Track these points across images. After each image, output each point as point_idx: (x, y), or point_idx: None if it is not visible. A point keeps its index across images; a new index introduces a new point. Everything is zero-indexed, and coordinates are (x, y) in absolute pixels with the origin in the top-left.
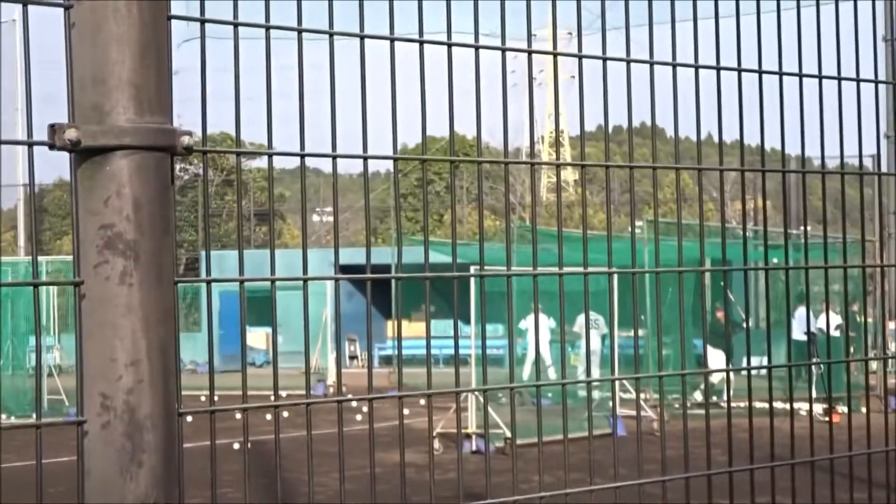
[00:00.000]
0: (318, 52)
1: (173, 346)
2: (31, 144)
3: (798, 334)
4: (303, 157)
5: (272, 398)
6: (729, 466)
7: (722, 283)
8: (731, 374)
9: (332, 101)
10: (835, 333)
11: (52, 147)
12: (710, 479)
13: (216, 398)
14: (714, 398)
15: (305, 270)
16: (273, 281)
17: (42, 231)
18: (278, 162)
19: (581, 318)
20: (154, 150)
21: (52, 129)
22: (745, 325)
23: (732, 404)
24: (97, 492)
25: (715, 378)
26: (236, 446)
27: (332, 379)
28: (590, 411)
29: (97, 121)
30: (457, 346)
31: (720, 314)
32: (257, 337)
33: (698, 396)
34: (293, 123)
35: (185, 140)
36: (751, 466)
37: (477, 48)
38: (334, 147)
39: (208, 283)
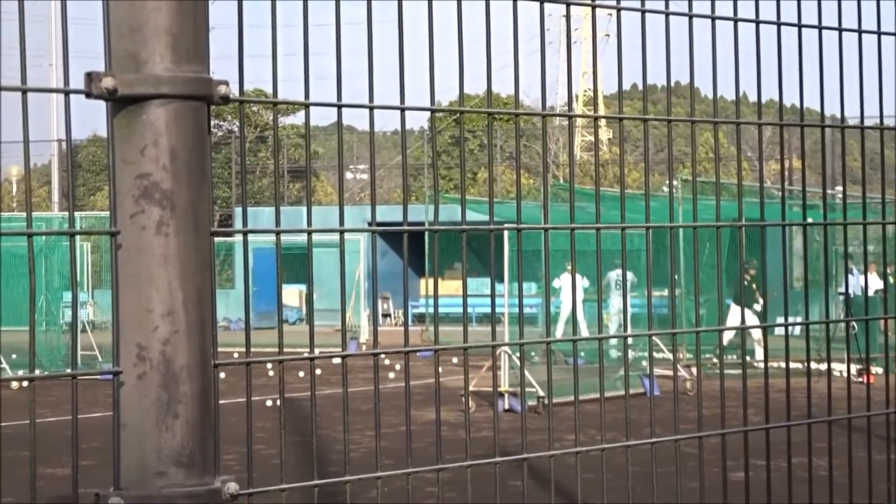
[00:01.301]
0: (355, 8)
1: (209, 296)
2: (67, 93)
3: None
4: (340, 107)
5: (307, 353)
6: (766, 423)
7: (758, 243)
8: (767, 334)
9: (369, 52)
10: (873, 294)
11: (88, 95)
12: (747, 437)
13: (251, 354)
14: (748, 358)
15: (342, 222)
16: (309, 233)
17: (76, 186)
18: (312, 119)
19: (611, 274)
20: (191, 99)
21: (89, 77)
22: (757, 308)
23: (769, 364)
24: (133, 443)
25: (748, 338)
26: (269, 403)
27: (364, 337)
28: (626, 368)
29: (134, 69)
30: (493, 303)
31: (752, 273)
32: (290, 294)
33: (734, 357)
34: (329, 80)
35: (222, 89)
36: (787, 423)
37: (515, 0)
38: (371, 98)
39: (245, 234)
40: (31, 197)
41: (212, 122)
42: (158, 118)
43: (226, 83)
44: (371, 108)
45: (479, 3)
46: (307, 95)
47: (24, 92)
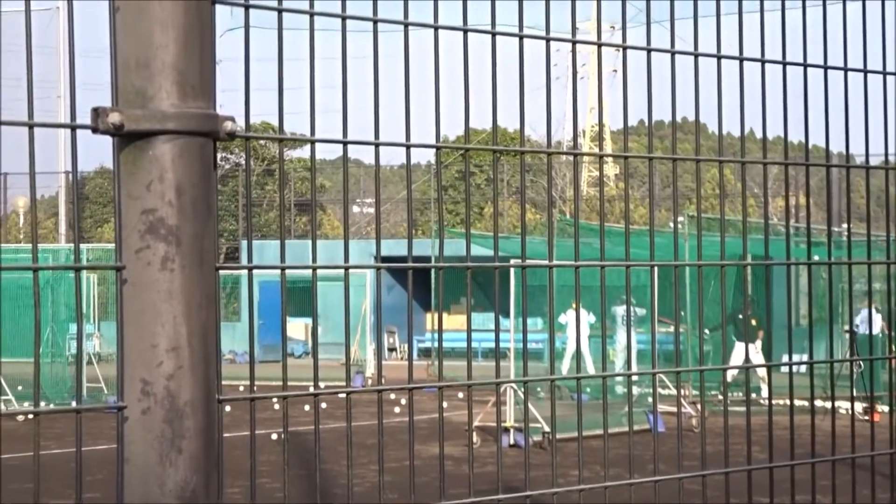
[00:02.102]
0: (362, 42)
1: (214, 332)
2: (74, 128)
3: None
4: (345, 143)
5: (312, 388)
6: (769, 462)
7: (764, 280)
8: (772, 371)
9: (375, 88)
10: (877, 332)
11: (94, 130)
12: (751, 476)
13: (255, 389)
14: (753, 395)
15: (347, 258)
16: (314, 269)
17: (83, 219)
18: (319, 152)
19: (618, 310)
20: (197, 135)
21: (96, 112)
22: (767, 323)
23: (773, 401)
24: (136, 478)
25: (752, 375)
26: (274, 437)
27: (370, 371)
28: (630, 405)
29: (140, 105)
30: (497, 338)
31: (749, 312)
32: (297, 328)
33: (738, 394)
34: (335, 114)
35: (228, 125)
36: (791, 462)
37: (521, 37)
38: (377, 135)
39: (249, 269)
40: (38, 229)
41: (221, 156)
42: (164, 154)
43: (232, 119)
44: (377, 145)
45: (485, 38)
46: (313, 131)
47: (31, 127)
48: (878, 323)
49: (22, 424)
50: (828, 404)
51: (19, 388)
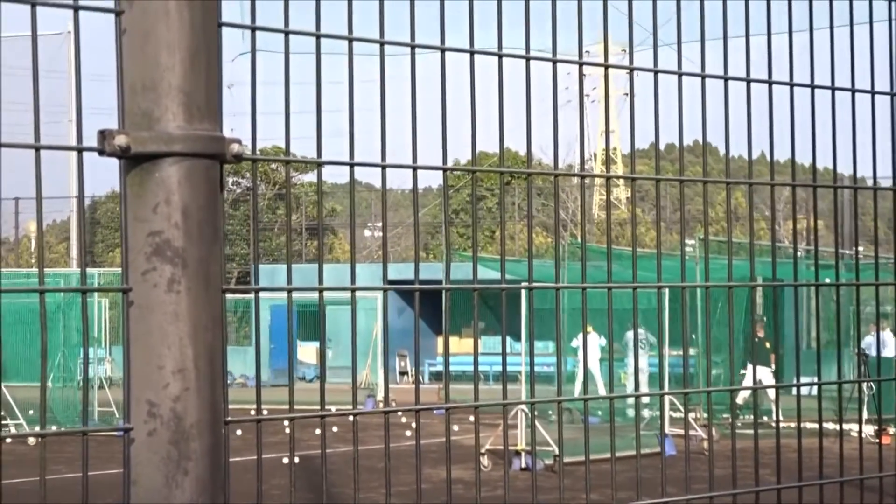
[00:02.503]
0: (368, 66)
1: (221, 353)
2: (80, 150)
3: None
4: (352, 165)
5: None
6: (777, 484)
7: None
8: (781, 394)
9: (381, 110)
10: (886, 354)
11: (101, 153)
12: (758, 497)
13: (266, 412)
14: (764, 418)
15: (353, 280)
16: (321, 291)
17: (94, 243)
18: (330, 176)
19: (629, 335)
20: (203, 157)
21: (102, 135)
22: (781, 342)
23: (781, 424)
24: (143, 500)
25: (761, 398)
26: (285, 461)
27: (381, 394)
28: (637, 426)
29: (147, 127)
30: (504, 361)
31: (759, 327)
32: (307, 352)
33: (748, 417)
34: (343, 137)
35: (235, 148)
36: (799, 483)
37: (528, 59)
38: (384, 157)
39: (255, 291)
40: (49, 253)
41: (231, 180)
42: (171, 176)
43: (238, 141)
44: (384, 167)
45: (493, 60)
46: (319, 153)
47: (38, 150)
48: (890, 344)
49: (33, 449)
50: (837, 427)
51: (31, 412)
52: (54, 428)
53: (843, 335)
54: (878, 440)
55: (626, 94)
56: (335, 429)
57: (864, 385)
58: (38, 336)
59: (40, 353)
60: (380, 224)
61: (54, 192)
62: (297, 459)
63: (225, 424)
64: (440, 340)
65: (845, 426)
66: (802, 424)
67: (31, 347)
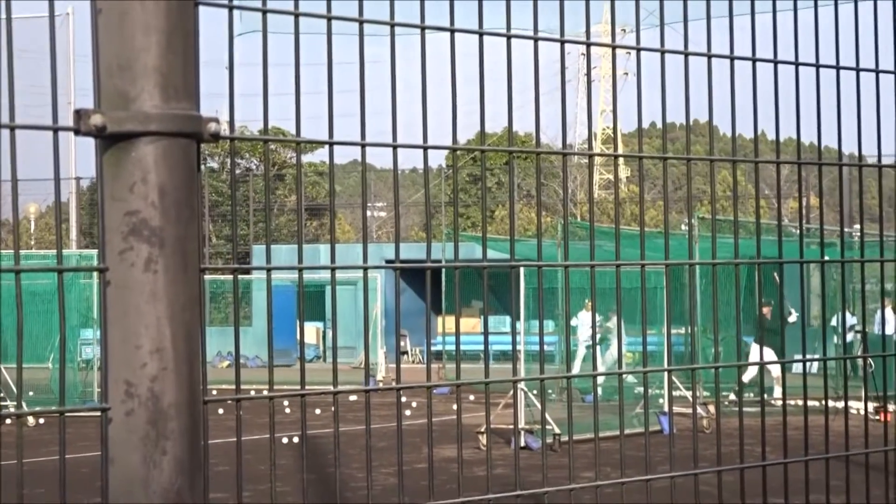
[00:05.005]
0: (377, 47)
1: (198, 333)
2: (56, 130)
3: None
4: (331, 144)
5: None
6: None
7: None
8: (786, 372)
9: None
10: (889, 332)
11: (77, 132)
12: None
13: (265, 392)
14: (766, 396)
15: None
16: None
17: (94, 224)
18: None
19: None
20: (180, 136)
21: (78, 114)
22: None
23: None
24: (120, 479)
25: (766, 376)
26: (285, 441)
27: (381, 374)
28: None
29: (123, 107)
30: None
31: (766, 310)
32: (307, 332)
33: (752, 395)
34: (352, 118)
35: (212, 127)
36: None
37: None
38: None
39: (234, 271)
40: (49, 234)
41: (233, 161)
42: (147, 155)
43: (216, 120)
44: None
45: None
46: (298, 132)
47: (12, 129)
48: (891, 321)
49: (33, 430)
50: (841, 404)
51: (30, 393)
52: (54, 408)
53: (847, 313)
54: (879, 418)
55: (626, 74)
56: (332, 409)
57: (861, 361)
58: (33, 318)
59: (42, 336)
60: (379, 204)
61: (52, 174)
62: (295, 440)
63: (203, 404)
64: (440, 320)
65: (848, 403)
66: (807, 402)
67: (28, 329)
